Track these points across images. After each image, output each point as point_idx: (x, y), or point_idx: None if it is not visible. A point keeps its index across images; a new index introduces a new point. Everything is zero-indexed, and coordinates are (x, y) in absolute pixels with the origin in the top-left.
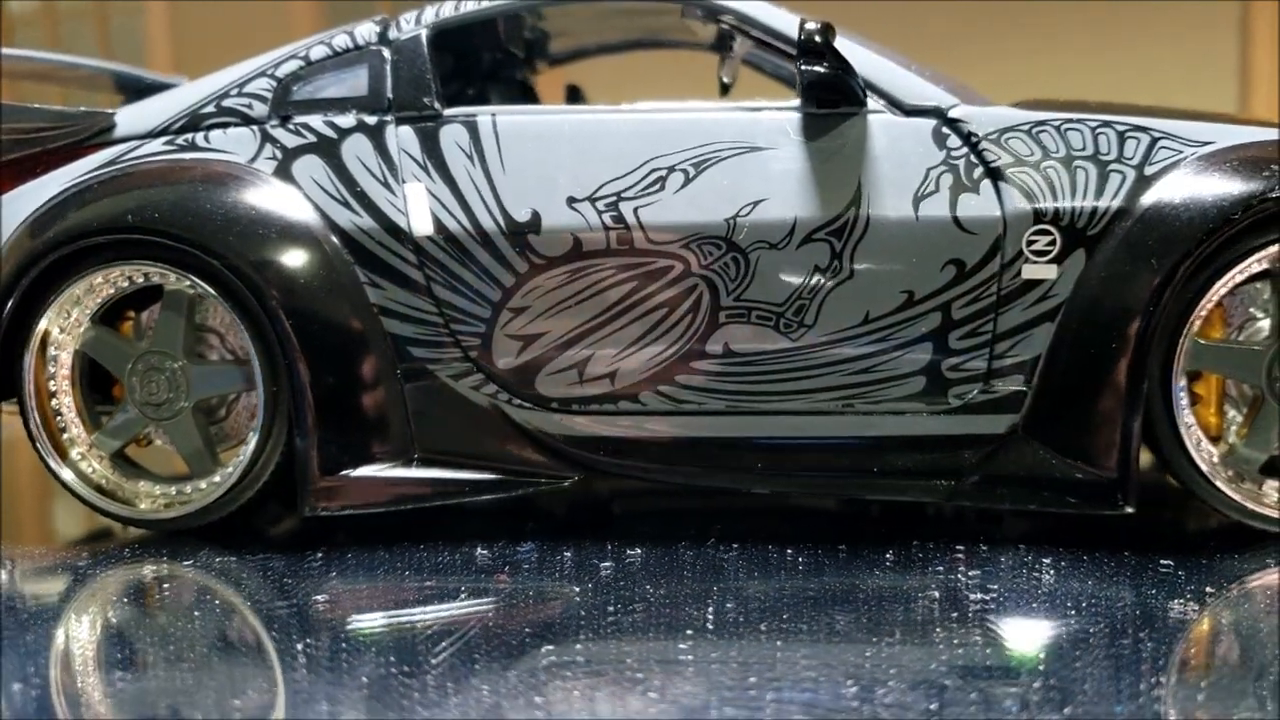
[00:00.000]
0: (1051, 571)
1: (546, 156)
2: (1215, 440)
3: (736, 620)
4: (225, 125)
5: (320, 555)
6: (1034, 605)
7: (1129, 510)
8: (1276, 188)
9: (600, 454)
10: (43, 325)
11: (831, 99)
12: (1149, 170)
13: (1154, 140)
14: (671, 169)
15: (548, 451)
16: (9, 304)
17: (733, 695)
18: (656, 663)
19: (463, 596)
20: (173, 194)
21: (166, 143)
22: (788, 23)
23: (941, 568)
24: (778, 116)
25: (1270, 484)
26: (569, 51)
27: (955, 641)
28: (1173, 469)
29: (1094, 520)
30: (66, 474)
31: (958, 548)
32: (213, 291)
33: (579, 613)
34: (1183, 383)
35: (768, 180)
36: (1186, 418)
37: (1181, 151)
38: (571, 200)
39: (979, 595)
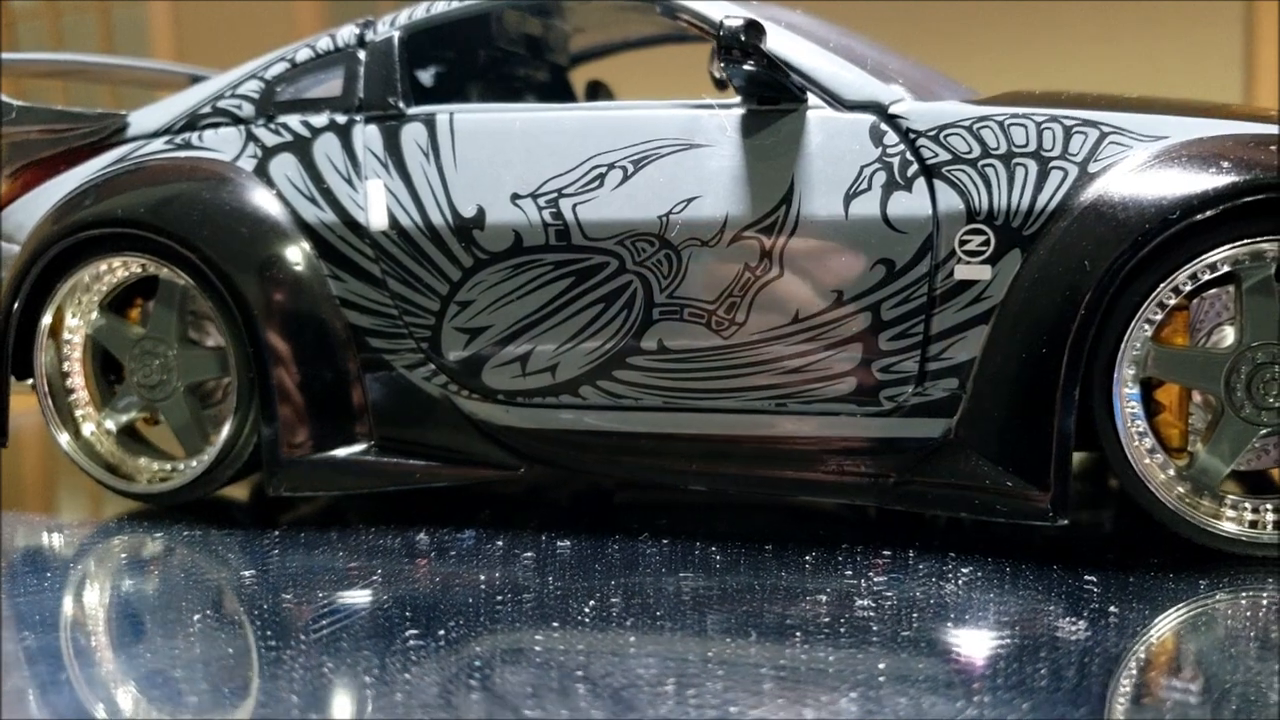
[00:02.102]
0: (959, 581)
1: (497, 154)
2: (1179, 451)
3: (610, 614)
4: (217, 125)
5: (278, 533)
6: (919, 614)
7: (1061, 523)
8: (1223, 185)
9: (542, 446)
10: (54, 308)
11: (771, 96)
12: (1093, 167)
13: (1103, 135)
14: (612, 166)
15: (494, 443)
16: (24, 285)
17: (569, 686)
18: (503, 652)
19: (374, 579)
20: (160, 191)
21: (166, 142)
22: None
23: (850, 571)
24: (719, 114)
25: (1238, 502)
26: (592, 49)
27: (809, 645)
28: (1121, 481)
29: (1051, 531)
30: (71, 447)
31: (884, 552)
32: (192, 282)
33: (467, 600)
34: (1132, 390)
35: (703, 178)
36: (1134, 428)
37: (1130, 147)
38: (515, 197)
39: (867, 602)
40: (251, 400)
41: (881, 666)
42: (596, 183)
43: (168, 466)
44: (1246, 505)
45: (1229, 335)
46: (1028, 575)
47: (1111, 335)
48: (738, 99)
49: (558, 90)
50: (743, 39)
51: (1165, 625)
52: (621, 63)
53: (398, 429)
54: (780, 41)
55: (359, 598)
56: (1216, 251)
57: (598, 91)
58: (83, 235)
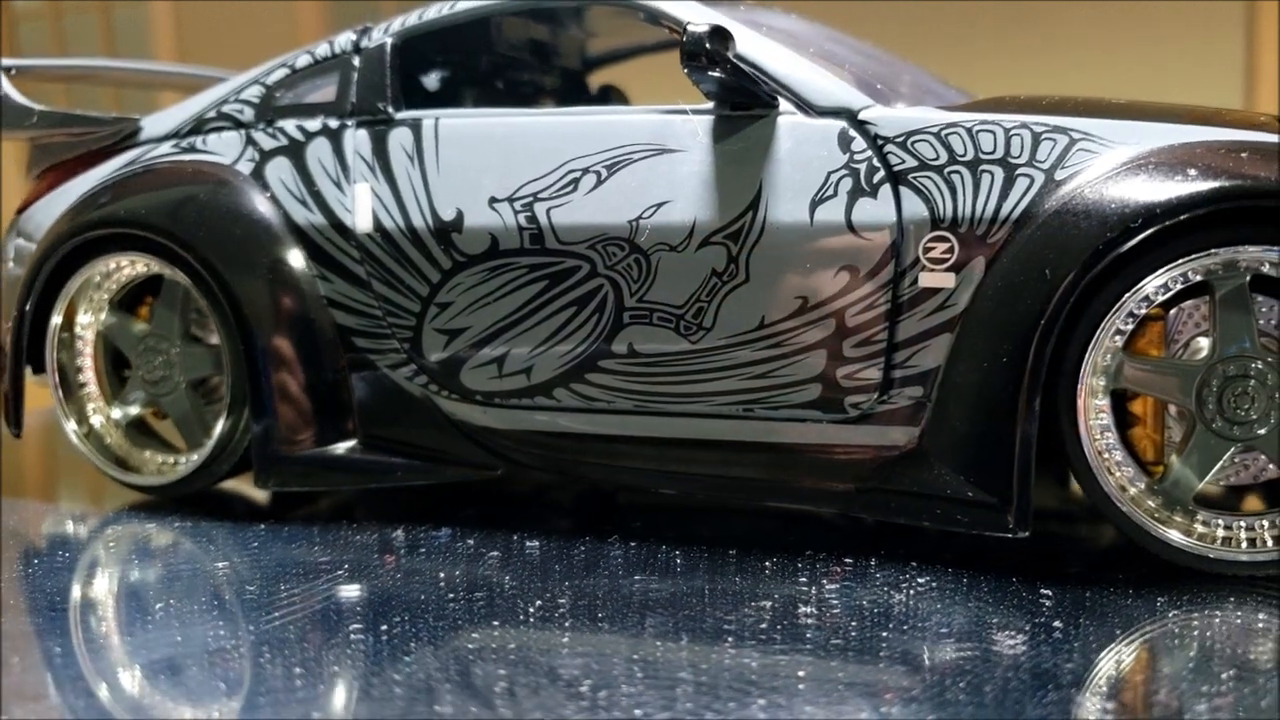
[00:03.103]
0: (912, 591)
1: (477, 158)
2: (1155, 464)
3: (553, 614)
4: (221, 129)
5: (263, 527)
6: (859, 623)
7: (1021, 534)
8: (1186, 194)
9: (518, 447)
10: (65, 304)
11: (743, 102)
12: (1060, 174)
13: (1072, 142)
14: (586, 170)
15: (473, 443)
16: (37, 283)
17: (489, 683)
18: (435, 650)
19: (339, 574)
20: (161, 193)
21: (173, 145)
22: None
23: (805, 578)
24: (692, 119)
25: (1210, 519)
26: (608, 53)
27: (737, 651)
28: (1087, 494)
29: (1022, 542)
30: (78, 437)
31: (847, 560)
32: (189, 281)
33: (419, 596)
34: (1100, 402)
35: (673, 183)
36: (1100, 440)
37: (1098, 154)
38: (493, 200)
39: (810, 609)
40: (245, 397)
41: (801, 674)
42: (571, 187)
43: (170, 460)
44: (1219, 522)
45: (1205, 347)
46: (984, 587)
47: (1078, 345)
48: (709, 105)
49: (574, 95)
50: (707, 46)
51: (1106, 645)
52: (642, 66)
53: (382, 427)
54: (752, 46)
55: (318, 591)
56: (1185, 261)
57: (609, 96)
58: (90, 235)
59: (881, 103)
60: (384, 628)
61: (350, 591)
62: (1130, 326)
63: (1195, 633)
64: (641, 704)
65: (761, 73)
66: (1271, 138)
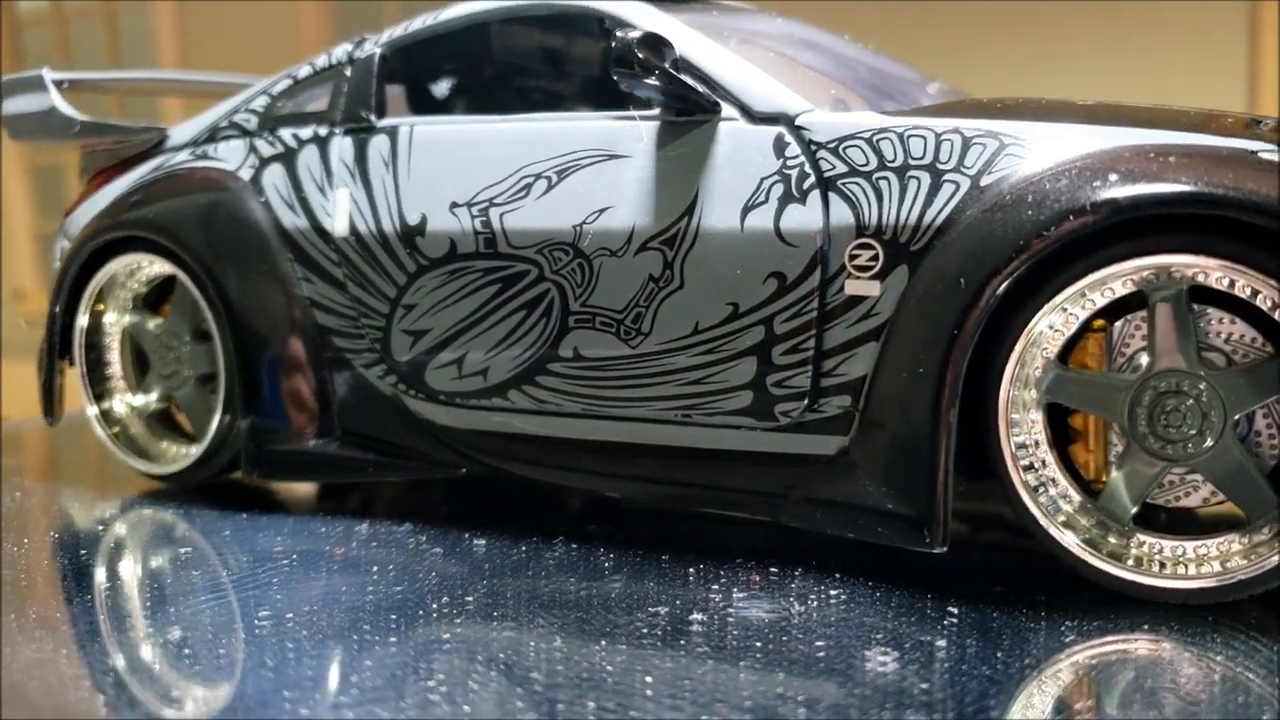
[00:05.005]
0: (814, 603)
1: (444, 164)
2: (1098, 481)
3: (454, 610)
4: (229, 138)
5: (245, 516)
6: (740, 633)
7: (938, 549)
8: (1100, 199)
9: (476, 447)
10: (90, 301)
11: (686, 108)
12: (985, 180)
13: (1001, 146)
14: (538, 176)
15: (438, 441)
16: (66, 281)
17: (350, 672)
18: (324, 639)
19: (284, 563)
20: (171, 198)
21: (190, 153)
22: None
23: (719, 585)
24: (639, 125)
25: (1146, 541)
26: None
27: (606, 654)
28: (1012, 511)
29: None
30: (100, 424)
31: (772, 569)
32: (189, 281)
33: (341, 588)
34: (1024, 415)
35: (617, 188)
36: (1023, 456)
37: (1024, 158)
38: (454, 205)
39: (702, 617)
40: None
41: (649, 680)
42: (523, 192)
43: (184, 450)
44: (1161, 545)
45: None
46: (893, 602)
47: (1001, 358)
48: (655, 111)
49: (598, 99)
50: (638, 53)
51: (976, 669)
52: None
53: (358, 425)
54: (696, 50)
55: (253, 579)
56: (1110, 270)
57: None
58: (108, 238)
59: (864, 107)
60: (289, 616)
61: (281, 581)
62: (1061, 337)
63: (1091, 669)
64: (475, 700)
65: (704, 78)
66: (1212, 140)
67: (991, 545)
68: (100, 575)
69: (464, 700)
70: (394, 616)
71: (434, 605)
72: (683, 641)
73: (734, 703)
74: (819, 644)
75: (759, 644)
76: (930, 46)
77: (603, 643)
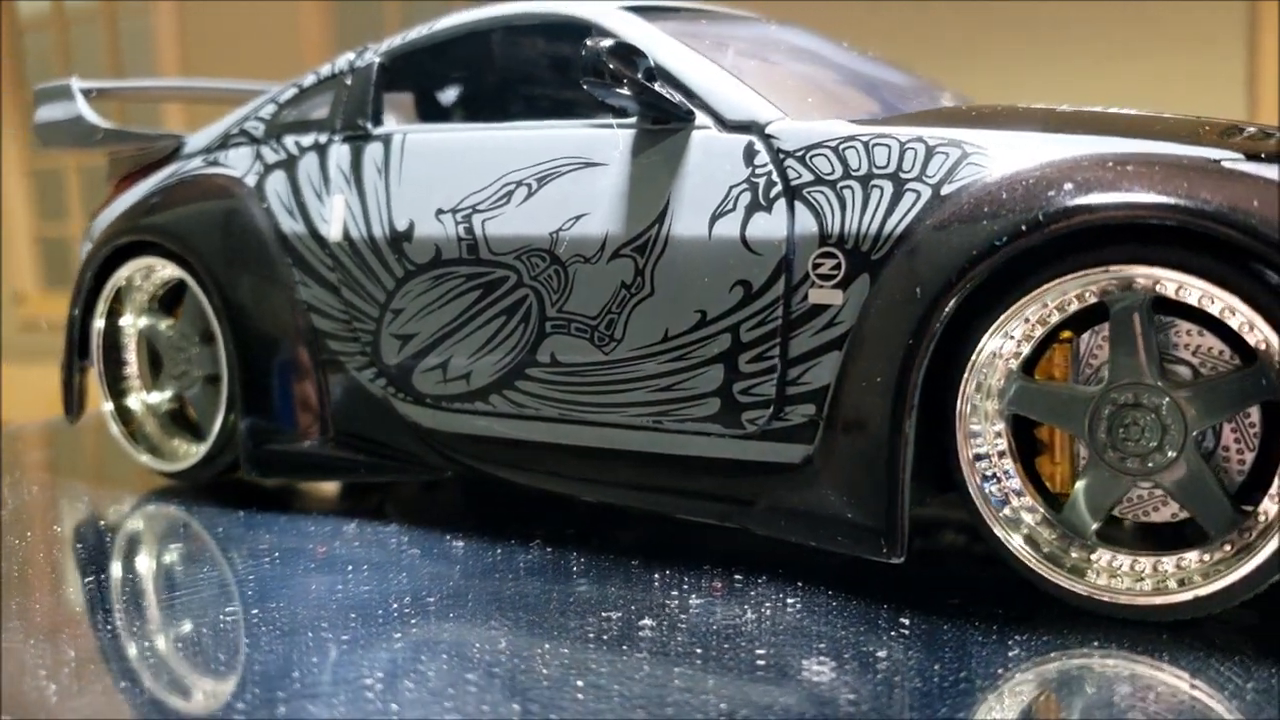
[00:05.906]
0: (768, 611)
1: (433, 171)
2: (1064, 494)
3: (415, 610)
4: (238, 145)
5: (243, 513)
6: (689, 640)
7: (895, 560)
8: (1055, 209)
9: (459, 450)
10: (106, 303)
11: (661, 116)
12: (946, 189)
13: (964, 155)
14: (519, 183)
15: (425, 444)
16: (84, 283)
17: (302, 667)
18: (282, 634)
19: (264, 560)
20: (180, 204)
21: (203, 160)
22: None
23: (679, 591)
24: (617, 133)
25: (1107, 556)
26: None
27: (547, 656)
28: (972, 522)
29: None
30: (115, 420)
31: (737, 576)
32: (195, 285)
33: (310, 586)
34: (984, 426)
35: (593, 196)
36: (983, 467)
37: (985, 167)
38: (439, 212)
39: (652, 623)
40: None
41: (580, 685)
42: (505, 199)
43: (191, 449)
44: (1121, 560)
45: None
46: (848, 613)
47: (958, 368)
48: (632, 119)
49: (597, 106)
50: (607, 63)
51: (914, 684)
52: None
53: (352, 426)
54: (671, 58)
55: (231, 574)
56: (1069, 279)
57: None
58: (120, 242)
59: (841, 114)
60: (255, 611)
61: (257, 577)
62: (1023, 347)
63: (1012, 683)
64: (406, 700)
65: (679, 86)
66: (1176, 149)
67: (962, 557)
68: (83, 571)
69: (394, 699)
70: (354, 615)
71: (394, 605)
72: (625, 646)
73: (654, 710)
74: (760, 652)
75: (700, 650)
76: (929, 52)
77: (547, 645)
